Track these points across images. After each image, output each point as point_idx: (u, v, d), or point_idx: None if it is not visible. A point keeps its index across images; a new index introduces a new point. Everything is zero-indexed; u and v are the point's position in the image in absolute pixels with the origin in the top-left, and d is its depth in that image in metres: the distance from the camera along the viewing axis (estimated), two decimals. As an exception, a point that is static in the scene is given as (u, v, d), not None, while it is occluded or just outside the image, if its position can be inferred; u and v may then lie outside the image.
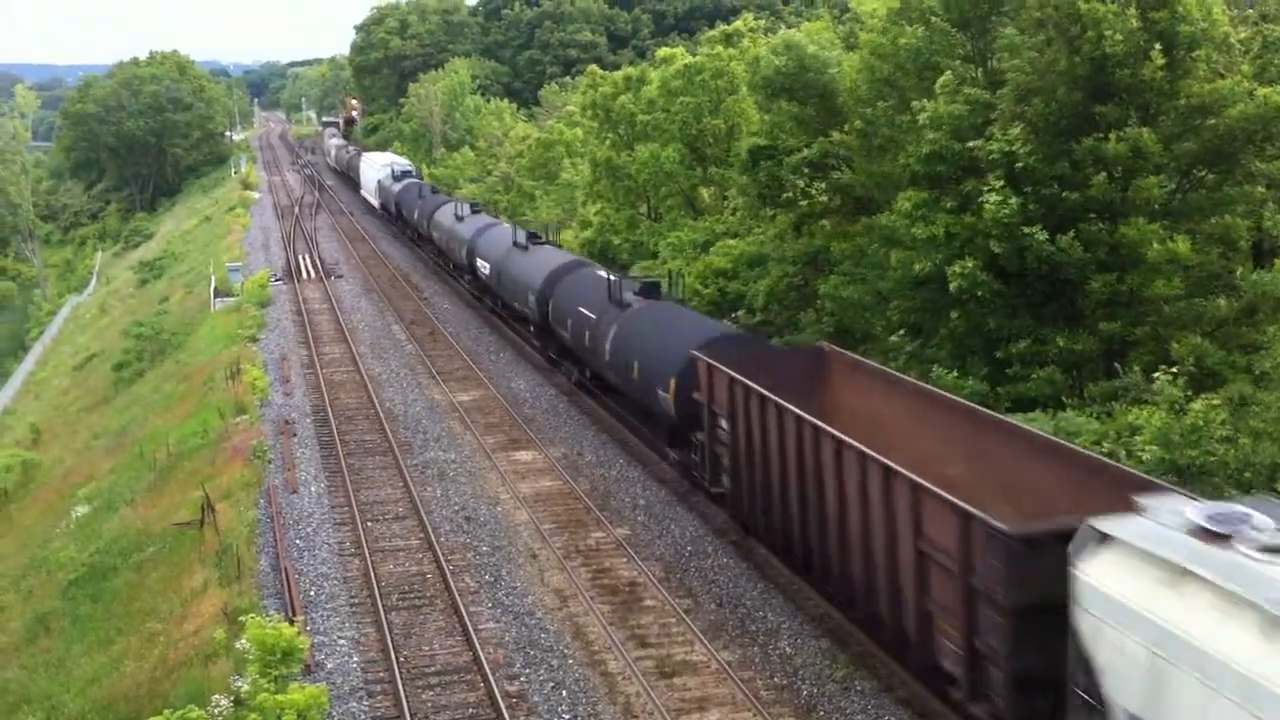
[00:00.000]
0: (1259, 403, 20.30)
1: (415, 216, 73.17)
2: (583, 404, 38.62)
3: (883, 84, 33.06)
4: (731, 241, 45.38)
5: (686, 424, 28.46)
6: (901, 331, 31.38)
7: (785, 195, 39.04)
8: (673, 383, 28.55)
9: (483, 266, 51.84)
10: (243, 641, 21.03)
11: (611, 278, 35.87)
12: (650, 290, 34.48)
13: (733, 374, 24.94)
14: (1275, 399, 19.78)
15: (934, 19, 31.04)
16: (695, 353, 27.19)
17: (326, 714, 19.74)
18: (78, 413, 59.27)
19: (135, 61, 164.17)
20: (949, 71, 29.69)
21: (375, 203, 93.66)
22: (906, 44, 31.06)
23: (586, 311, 35.71)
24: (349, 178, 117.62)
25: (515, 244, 47.87)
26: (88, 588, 30.93)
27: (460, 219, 59.98)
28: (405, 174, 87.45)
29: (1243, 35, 29.45)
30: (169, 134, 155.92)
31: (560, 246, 51.45)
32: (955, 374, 28.14)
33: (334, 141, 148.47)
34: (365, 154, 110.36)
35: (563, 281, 39.89)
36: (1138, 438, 22.80)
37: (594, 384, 37.34)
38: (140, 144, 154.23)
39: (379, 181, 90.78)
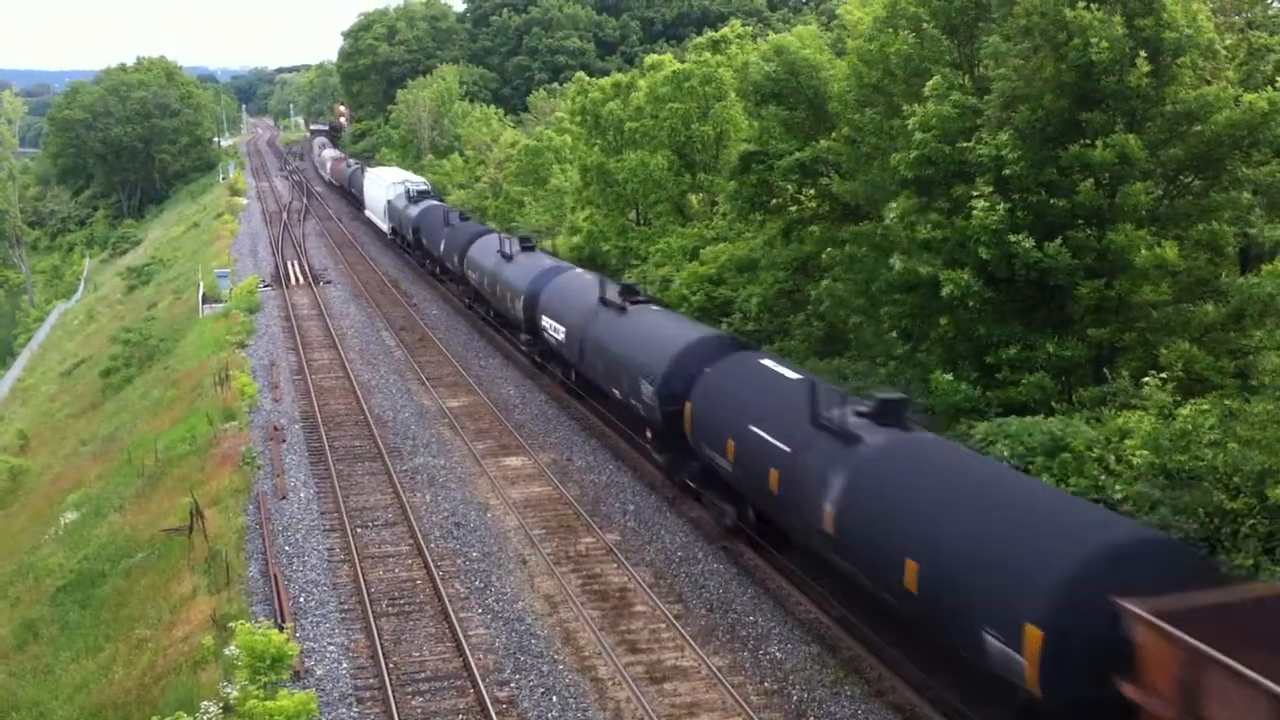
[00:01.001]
0: (1247, 413, 20.37)
1: (442, 249, 59.55)
2: (572, 410, 38.61)
3: (870, 90, 33.13)
4: (720, 247, 45.42)
5: None
6: (894, 334, 31.40)
7: (775, 200, 39.08)
8: None
9: (553, 328, 38.02)
10: (232, 648, 21.02)
11: (808, 381, 24.27)
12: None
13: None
14: (1263, 408, 19.84)
15: (925, 25, 31.11)
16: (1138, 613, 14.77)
17: (316, 720, 19.73)
18: (66, 419, 59.13)
19: (123, 67, 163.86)
20: (938, 75, 29.75)
21: (384, 227, 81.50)
22: (897, 50, 31.13)
23: (783, 446, 23.34)
24: (350, 194, 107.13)
25: (604, 300, 34.53)
26: (76, 594, 30.85)
27: (509, 258, 46.22)
28: (423, 194, 73.92)
29: (1228, 42, 29.56)
30: (157, 140, 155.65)
31: (666, 306, 37.21)
32: (950, 377, 28.22)
33: (329, 154, 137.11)
34: (370, 169, 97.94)
35: (720, 375, 27.18)
36: (1127, 442, 22.88)
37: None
38: (128, 150, 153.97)
39: (389, 203, 77.58)
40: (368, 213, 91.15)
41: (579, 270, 41.41)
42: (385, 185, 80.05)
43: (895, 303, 31.11)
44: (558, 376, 40.19)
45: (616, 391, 31.89)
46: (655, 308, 33.97)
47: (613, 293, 34.30)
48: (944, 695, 19.53)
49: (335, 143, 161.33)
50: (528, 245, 47.45)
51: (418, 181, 78.65)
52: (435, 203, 70.67)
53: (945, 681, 19.76)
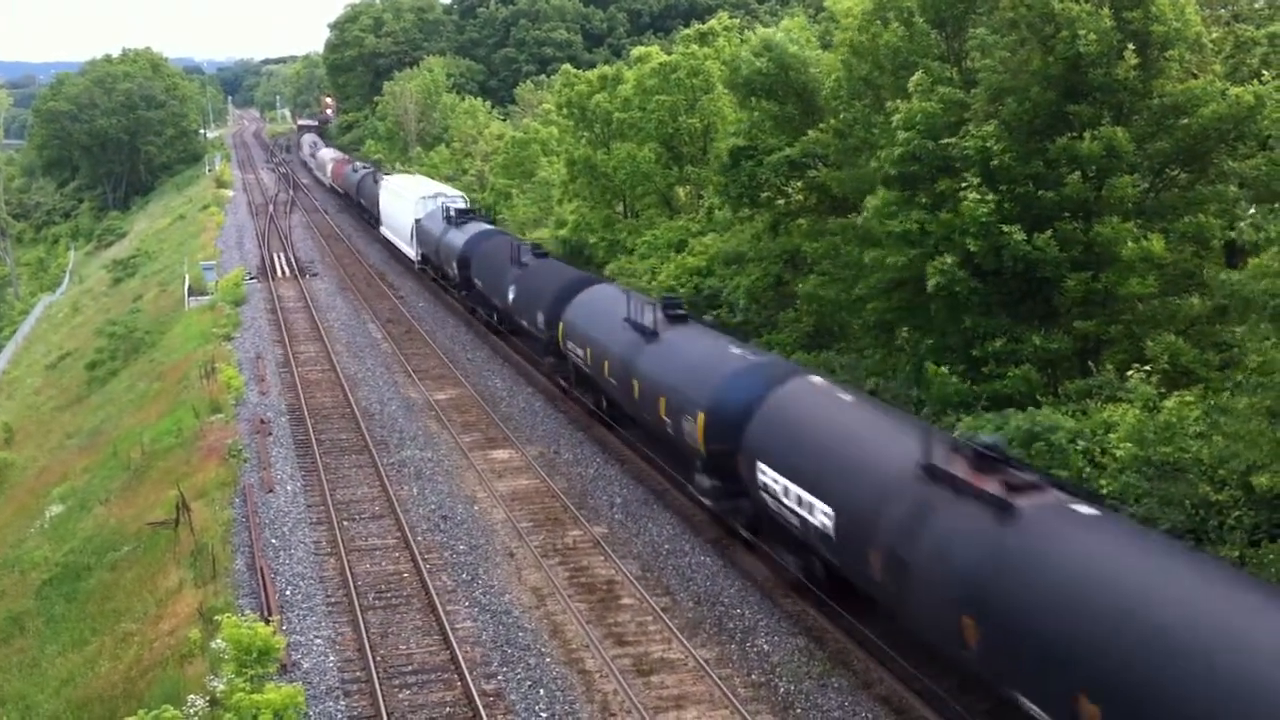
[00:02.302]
0: (1232, 409, 20.43)
1: (511, 298, 42.19)
2: (560, 403, 38.58)
3: (859, 83, 33.13)
4: (707, 239, 45.41)
5: None
6: (905, 331, 31.40)
7: (764, 194, 39.10)
8: None
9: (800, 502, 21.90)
10: (218, 641, 20.96)
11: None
12: None
13: None
14: (1246, 402, 19.90)
15: (915, 19, 31.12)
16: None
17: (303, 714, 19.70)
18: (51, 412, 58.92)
19: (108, 59, 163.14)
20: (921, 70, 29.76)
21: (410, 253, 64.93)
22: (887, 42, 31.13)
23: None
24: (358, 205, 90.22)
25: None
26: (62, 588, 30.77)
27: (648, 333, 29.54)
28: (467, 215, 55.64)
29: (1215, 35, 29.62)
30: (142, 132, 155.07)
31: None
32: (944, 368, 28.26)
33: (328, 154, 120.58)
34: (389, 178, 77.72)
35: None
36: (1112, 435, 22.94)
37: None
38: (113, 142, 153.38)
39: (419, 224, 61.15)
40: (385, 231, 73.88)
41: (816, 381, 24.80)
42: (412, 200, 63.04)
43: (879, 298, 31.14)
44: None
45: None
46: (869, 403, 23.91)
47: (855, 398, 23.77)
48: (931, 686, 19.56)
49: (325, 137, 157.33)
50: (675, 310, 29.91)
51: (454, 196, 62.22)
52: (487, 228, 53.20)
53: (932, 672, 19.80)
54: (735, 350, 26.90)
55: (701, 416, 25.53)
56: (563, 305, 36.33)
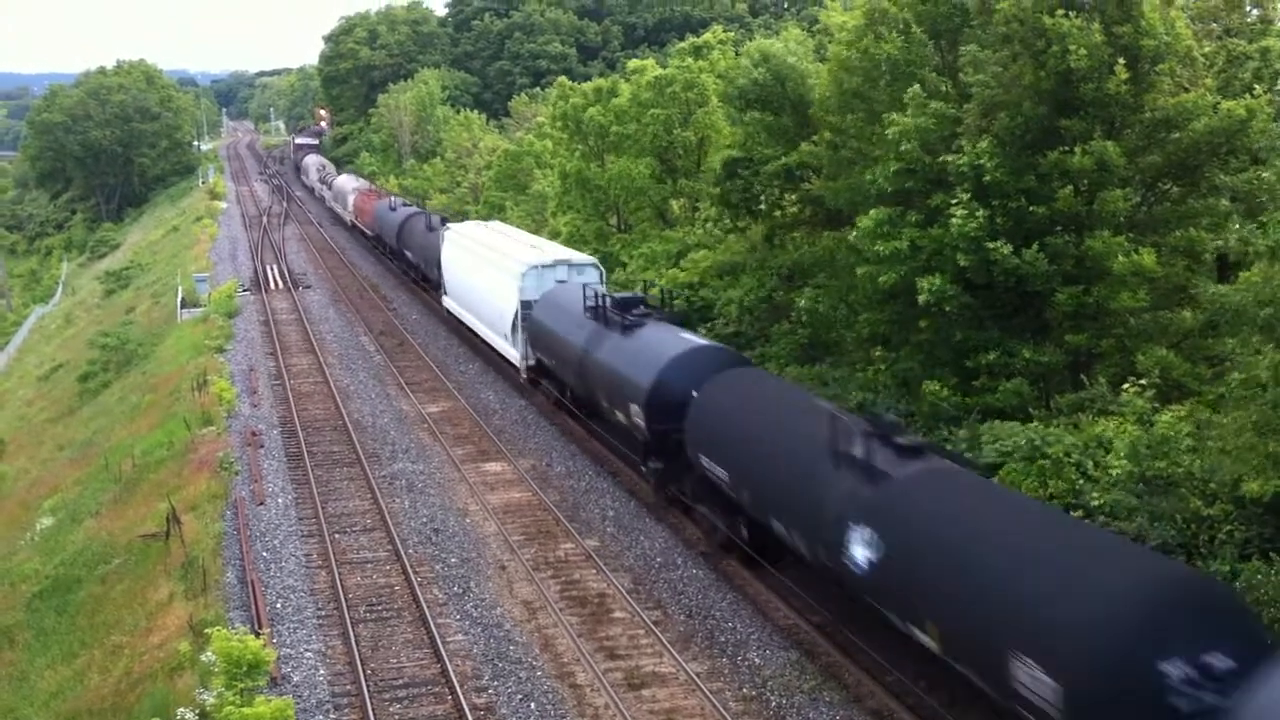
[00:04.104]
0: (1218, 425, 20.47)
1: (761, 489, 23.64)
2: (553, 416, 38.54)
3: (851, 96, 33.18)
4: (699, 254, 45.42)
5: None
6: (880, 349, 31.39)
7: (759, 206, 39.13)
8: None
9: None
10: (208, 654, 20.90)
11: None
12: None
13: None
14: (1232, 419, 19.92)
15: (913, 29, 31.17)
16: None
17: (293, 727, 19.62)
18: (43, 423, 58.78)
19: (102, 71, 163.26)
20: (917, 84, 29.82)
21: (512, 353, 41.28)
22: (885, 53, 31.16)
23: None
24: (396, 252, 68.83)
25: None
26: (52, 600, 30.66)
27: (876, 475, 19.80)
28: (627, 306, 32.47)
29: (1207, 49, 29.68)
30: (136, 144, 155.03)
31: None
32: (937, 383, 28.28)
33: (347, 182, 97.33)
34: (459, 228, 53.26)
35: None
36: (1109, 456, 22.93)
37: None
38: (107, 154, 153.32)
39: (533, 314, 38.07)
40: (451, 303, 51.27)
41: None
42: (514, 271, 40.18)
43: (873, 310, 31.18)
44: None
45: None
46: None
47: None
48: (925, 700, 19.53)
49: (322, 151, 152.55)
50: (907, 445, 20.40)
51: (584, 263, 40.28)
52: (642, 306, 32.52)
53: (926, 686, 19.77)
54: None
55: None
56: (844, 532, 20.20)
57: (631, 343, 30.26)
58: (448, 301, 52.07)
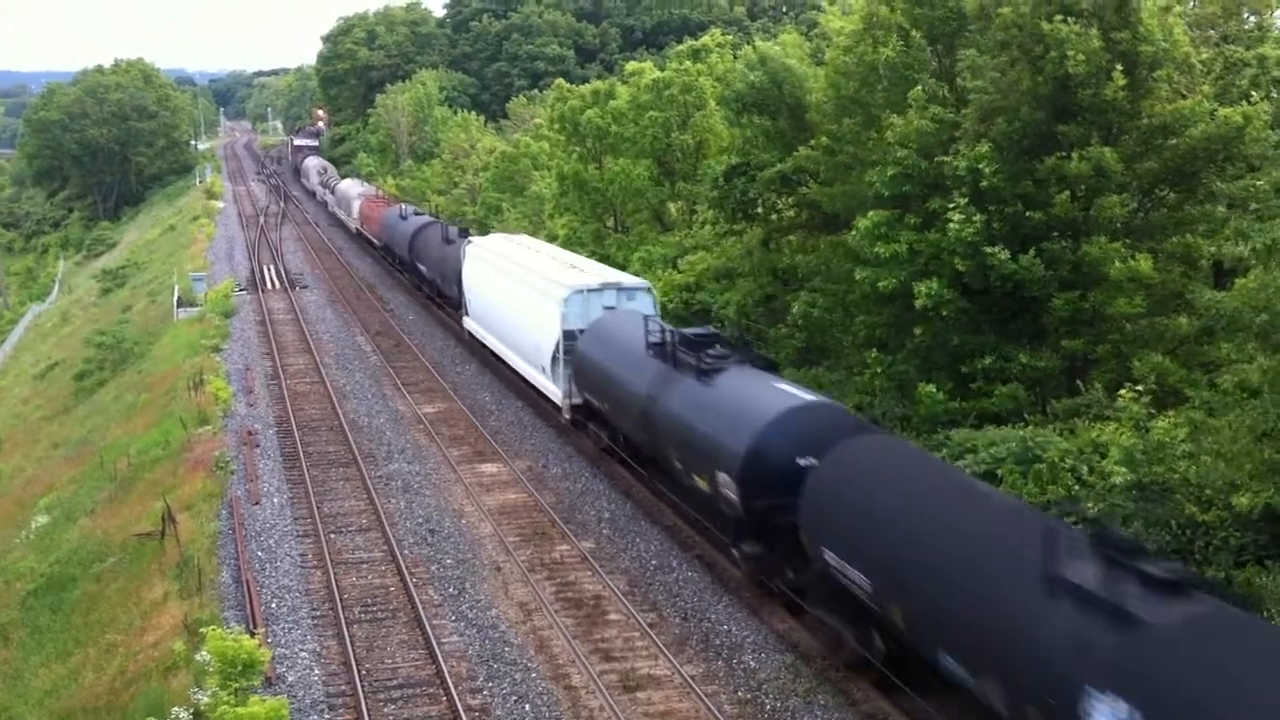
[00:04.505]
0: (1214, 428, 20.52)
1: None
2: (549, 418, 38.54)
3: (848, 101, 33.25)
4: (695, 257, 45.47)
5: None
6: (875, 352, 31.45)
7: (756, 210, 39.18)
8: None
9: None
10: (203, 654, 20.89)
11: None
12: None
13: None
14: (1228, 422, 19.97)
15: (913, 33, 31.25)
16: None
17: (287, 727, 19.62)
18: (38, 422, 58.73)
19: (100, 69, 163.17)
20: (920, 85, 29.90)
21: (553, 390, 35.66)
22: (886, 58, 31.22)
23: None
24: (408, 264, 63.16)
25: None
26: (47, 598, 30.64)
27: (1120, 619, 13.74)
28: (697, 345, 26.78)
29: (1204, 56, 29.78)
30: (133, 142, 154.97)
31: None
32: (932, 386, 28.32)
33: (352, 187, 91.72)
34: (483, 242, 47.80)
35: None
36: (1105, 461, 22.96)
37: None
38: (104, 152, 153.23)
39: (578, 346, 33.18)
40: (473, 325, 46.22)
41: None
42: (555, 296, 34.77)
43: (870, 313, 31.21)
44: None
45: None
46: None
47: None
48: (920, 705, 19.52)
49: (322, 151, 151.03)
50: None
51: (635, 286, 35.26)
52: (799, 397, 23.54)
53: (923, 691, 19.75)
54: None
55: None
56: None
57: (712, 393, 24.97)
58: (470, 323, 46.90)
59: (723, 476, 23.13)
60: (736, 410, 23.57)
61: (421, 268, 59.27)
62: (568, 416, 34.98)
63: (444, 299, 54.94)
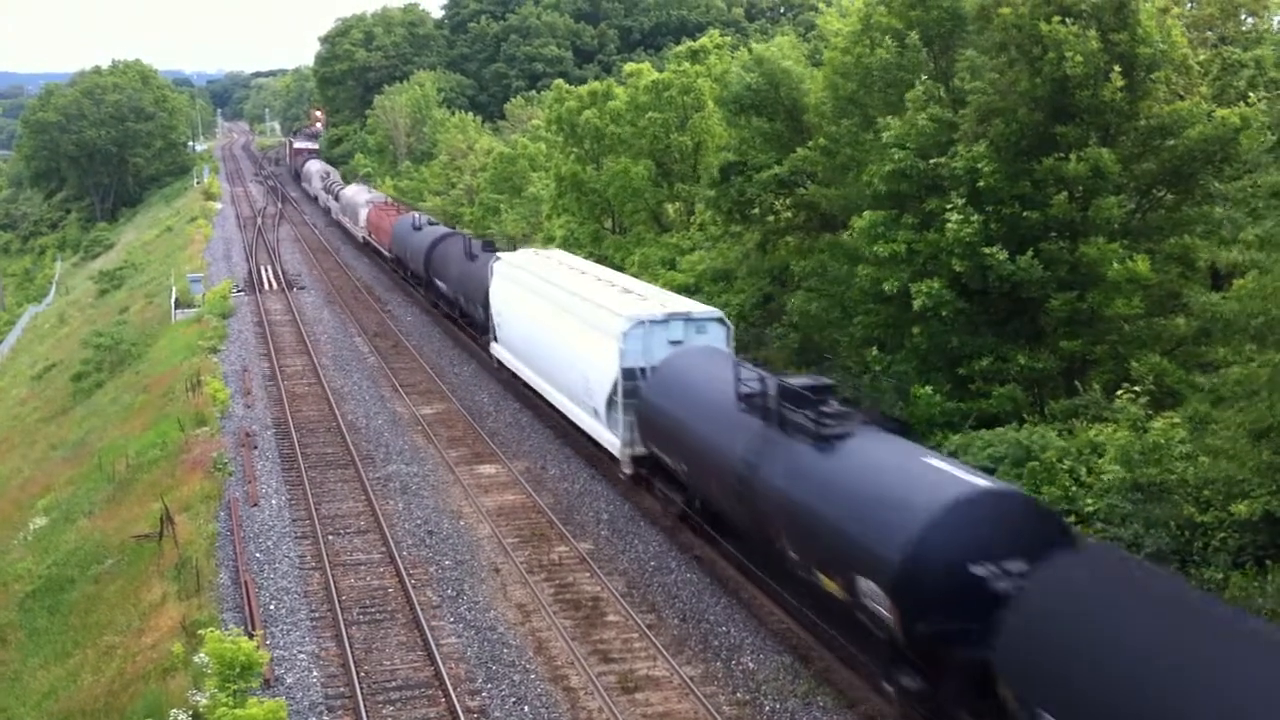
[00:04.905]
0: (1217, 420, 20.52)
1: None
2: (547, 418, 38.53)
3: (846, 102, 33.27)
4: (695, 256, 45.48)
5: None
6: (875, 350, 31.46)
7: (753, 211, 39.20)
8: None
9: None
10: (201, 655, 20.87)
11: None
12: None
13: None
14: (1230, 416, 19.99)
15: (908, 35, 31.29)
16: None
17: (286, 729, 19.61)
18: (36, 423, 58.69)
19: (97, 70, 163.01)
20: (918, 86, 29.91)
21: (610, 438, 30.08)
22: (878, 59, 31.26)
23: None
24: (422, 279, 57.60)
25: None
26: (45, 600, 30.62)
27: None
28: (776, 385, 22.13)
29: (1202, 57, 29.81)
30: (130, 143, 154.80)
31: None
32: (930, 387, 28.34)
33: (359, 194, 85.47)
34: (514, 258, 42.17)
35: None
36: (1100, 459, 22.99)
37: None
38: (101, 153, 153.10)
39: (641, 389, 28.27)
40: (503, 351, 40.99)
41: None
42: (608, 326, 29.99)
43: (868, 313, 31.21)
44: None
45: None
46: None
47: None
48: (915, 708, 19.48)
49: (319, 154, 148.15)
50: None
51: (705, 316, 29.88)
52: (970, 482, 17.54)
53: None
54: None
55: None
56: None
57: (839, 466, 19.65)
58: (499, 351, 41.29)
59: (867, 585, 17.79)
60: (882, 494, 18.13)
61: (440, 285, 53.29)
62: (628, 471, 29.45)
63: (467, 320, 49.35)
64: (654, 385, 27.43)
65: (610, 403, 29.44)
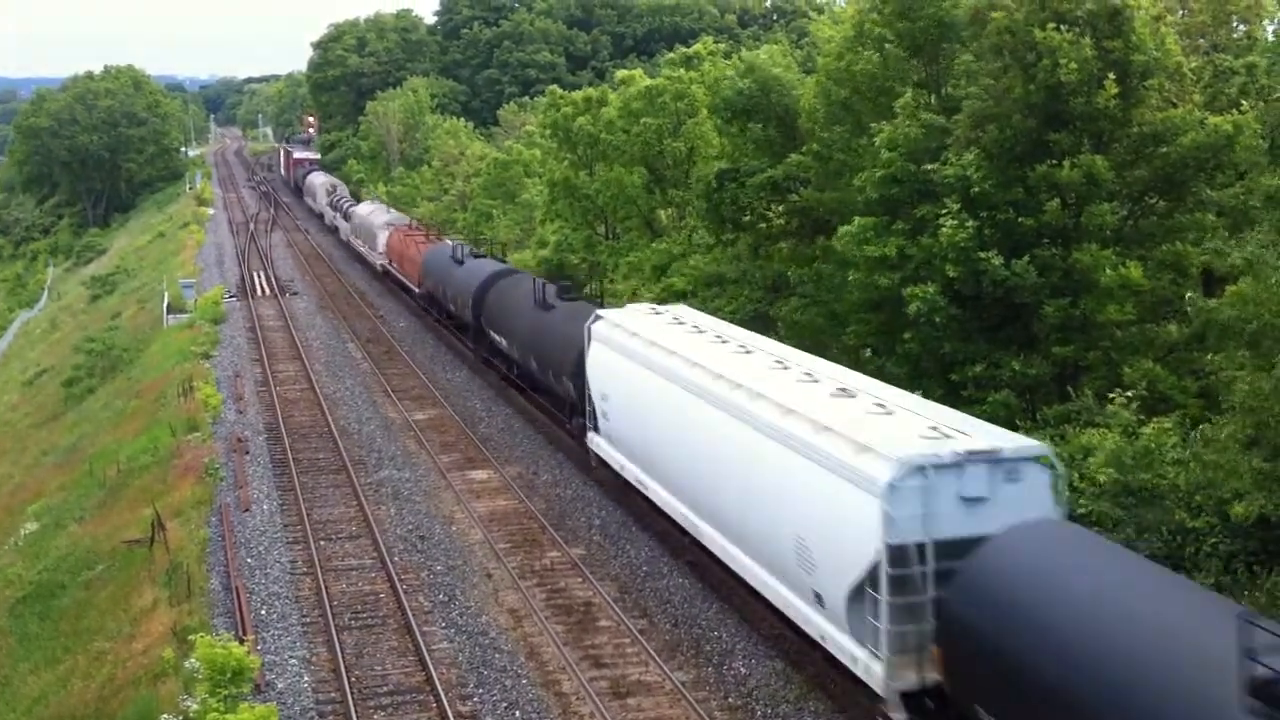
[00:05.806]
0: (1214, 429, 20.53)
1: None
2: (539, 423, 38.49)
3: (838, 108, 33.30)
4: (689, 262, 45.42)
5: None
6: (868, 353, 31.42)
7: (746, 218, 39.19)
8: None
9: None
10: (192, 661, 20.82)
11: None
12: None
13: None
14: (1229, 433, 19.99)
15: (888, 45, 31.32)
16: None
17: (277, 734, 19.55)
18: (27, 428, 58.58)
19: (90, 75, 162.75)
20: (909, 93, 29.94)
21: (853, 652, 18.21)
22: (862, 69, 31.33)
23: None
24: (467, 324, 46.59)
25: None
26: (35, 606, 30.53)
27: None
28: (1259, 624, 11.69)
29: (1194, 65, 29.87)
30: (123, 149, 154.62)
31: None
32: (921, 394, 28.30)
33: (376, 214, 73.62)
34: (610, 315, 30.43)
35: None
36: (1091, 460, 22.99)
37: None
38: (94, 159, 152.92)
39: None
40: (606, 448, 29.90)
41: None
42: (859, 469, 17.89)
43: (860, 320, 31.20)
44: None
45: None
46: None
47: None
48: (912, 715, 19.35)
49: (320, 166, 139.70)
50: None
51: (1020, 455, 18.08)
52: None
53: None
54: None
55: None
56: None
57: None
58: (603, 446, 30.15)
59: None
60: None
61: (498, 339, 41.57)
62: (897, 719, 17.79)
63: (541, 393, 38.57)
64: (965, 591, 16.15)
65: (857, 592, 17.97)
